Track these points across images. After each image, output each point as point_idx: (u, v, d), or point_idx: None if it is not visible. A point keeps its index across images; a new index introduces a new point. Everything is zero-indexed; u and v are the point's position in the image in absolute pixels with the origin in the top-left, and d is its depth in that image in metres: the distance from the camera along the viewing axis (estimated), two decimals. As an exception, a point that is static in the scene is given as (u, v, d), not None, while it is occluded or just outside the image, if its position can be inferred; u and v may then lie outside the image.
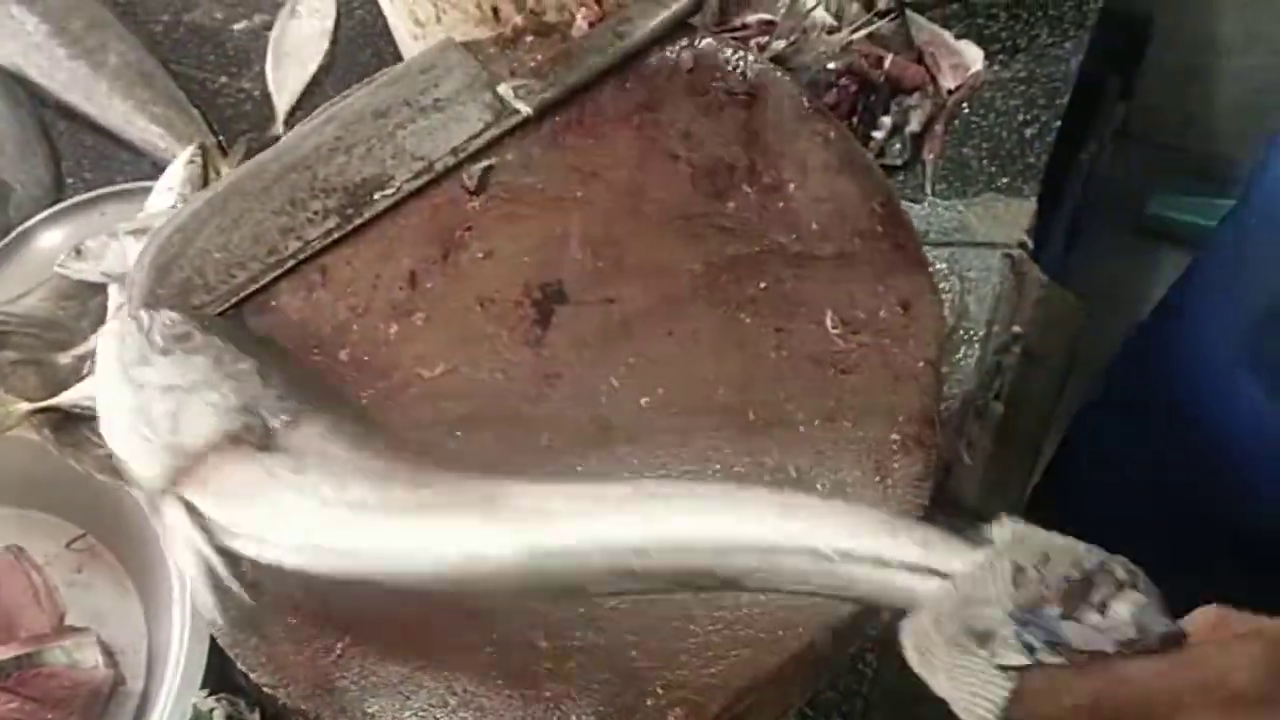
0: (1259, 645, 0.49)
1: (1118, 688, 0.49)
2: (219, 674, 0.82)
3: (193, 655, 0.81)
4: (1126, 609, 0.49)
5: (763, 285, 0.80)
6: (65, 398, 0.91)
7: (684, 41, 0.86)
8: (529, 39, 0.88)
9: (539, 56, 0.86)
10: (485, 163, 0.83)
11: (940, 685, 0.50)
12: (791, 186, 0.82)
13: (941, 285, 0.98)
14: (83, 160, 1.16)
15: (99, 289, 1.02)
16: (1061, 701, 0.49)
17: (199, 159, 1.06)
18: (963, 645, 0.49)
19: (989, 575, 0.51)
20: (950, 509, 0.92)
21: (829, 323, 0.78)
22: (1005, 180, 1.05)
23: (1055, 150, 1.08)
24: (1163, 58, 1.83)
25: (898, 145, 1.06)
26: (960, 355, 0.96)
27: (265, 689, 0.68)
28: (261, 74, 1.18)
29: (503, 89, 0.84)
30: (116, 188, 1.09)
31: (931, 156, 1.06)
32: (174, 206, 1.01)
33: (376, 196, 0.81)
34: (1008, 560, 0.50)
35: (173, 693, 0.80)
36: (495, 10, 1.00)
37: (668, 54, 0.86)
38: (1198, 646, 0.50)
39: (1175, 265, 1.95)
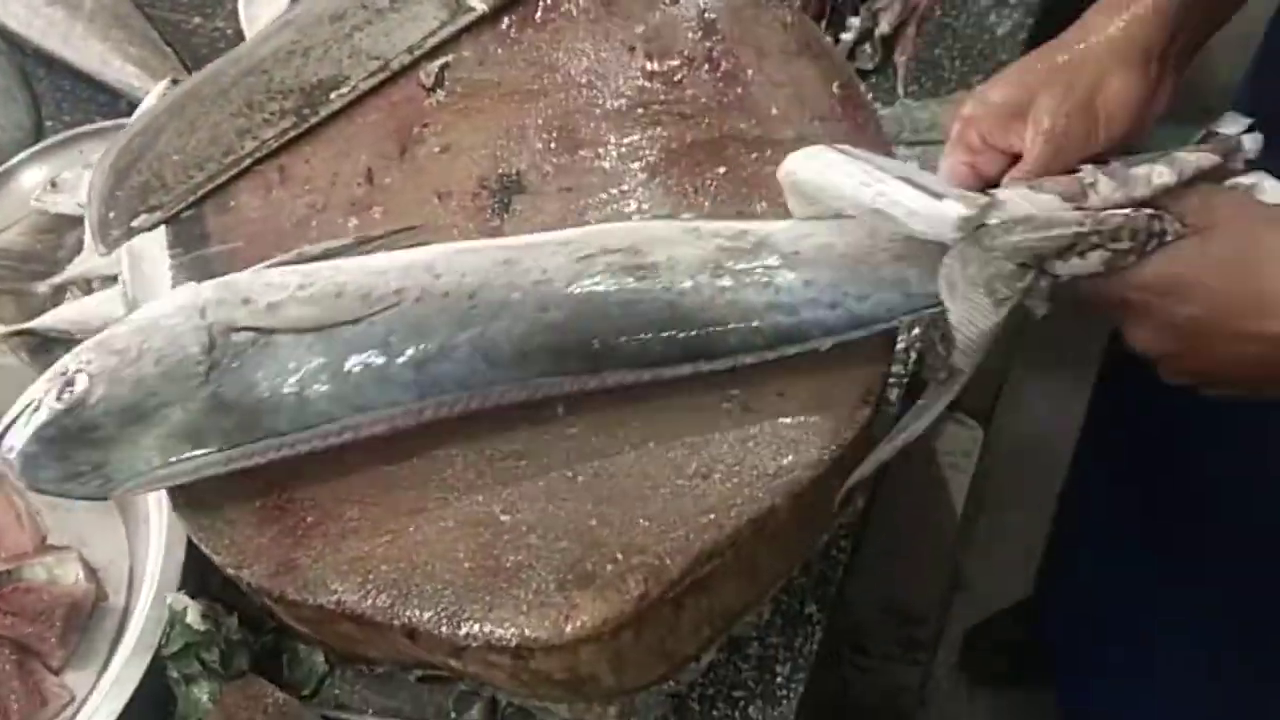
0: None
1: None
2: (198, 583, 0.82)
3: (169, 564, 0.82)
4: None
5: (722, 170, 0.79)
6: (41, 322, 0.91)
7: (638, -66, 0.85)
8: (484, -60, 0.87)
9: (494, -44, 0.86)
10: (442, 60, 0.83)
11: (955, 309, 0.67)
12: (749, 72, 0.82)
13: (915, 183, 0.97)
14: (62, 103, 1.16)
15: (76, 224, 1.03)
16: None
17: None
18: (978, 284, 0.66)
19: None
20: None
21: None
22: (978, 79, 1.03)
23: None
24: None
25: (868, 49, 1.05)
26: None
27: (229, 570, 0.69)
28: (234, 13, 1.18)
29: (457, -12, 0.84)
30: (94, 126, 1.09)
31: (903, 59, 1.05)
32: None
33: (332, 96, 0.81)
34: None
35: (150, 599, 0.80)
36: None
37: (623, -53, 0.85)
38: None
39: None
